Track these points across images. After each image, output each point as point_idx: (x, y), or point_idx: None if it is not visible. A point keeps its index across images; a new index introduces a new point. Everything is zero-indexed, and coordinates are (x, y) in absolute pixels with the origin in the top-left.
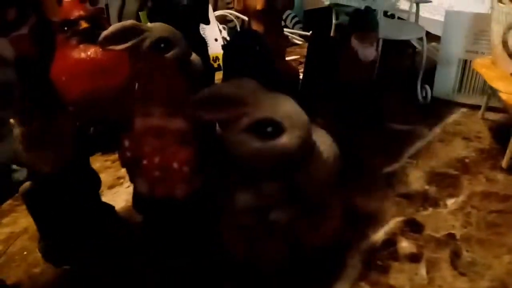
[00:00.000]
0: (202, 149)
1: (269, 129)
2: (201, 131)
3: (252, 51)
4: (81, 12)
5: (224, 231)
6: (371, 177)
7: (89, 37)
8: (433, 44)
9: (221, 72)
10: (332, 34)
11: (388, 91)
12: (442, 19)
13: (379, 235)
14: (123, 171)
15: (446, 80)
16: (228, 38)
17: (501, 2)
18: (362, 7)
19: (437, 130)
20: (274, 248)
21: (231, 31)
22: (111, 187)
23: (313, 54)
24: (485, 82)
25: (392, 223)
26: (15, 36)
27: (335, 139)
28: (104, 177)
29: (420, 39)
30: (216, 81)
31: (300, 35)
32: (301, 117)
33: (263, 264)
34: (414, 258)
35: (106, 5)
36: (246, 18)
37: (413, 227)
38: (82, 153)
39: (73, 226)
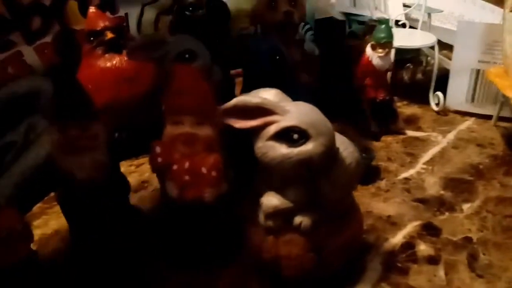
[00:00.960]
0: (229, 155)
1: (295, 136)
2: (228, 139)
3: (274, 60)
4: (107, 23)
5: (251, 235)
6: (388, 182)
7: (114, 47)
8: (444, 52)
9: None
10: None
11: (402, 99)
12: (453, 27)
13: (398, 239)
14: (147, 175)
15: (459, 90)
16: None
17: None
18: (373, 16)
19: (451, 137)
20: (297, 251)
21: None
22: (136, 191)
23: (327, 62)
24: (497, 91)
25: (410, 227)
26: (39, 44)
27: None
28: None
29: (432, 47)
30: None
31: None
32: (325, 125)
33: (287, 267)
34: (432, 260)
35: (126, 14)
36: None
37: (430, 230)
38: (114, 159)
39: (105, 229)
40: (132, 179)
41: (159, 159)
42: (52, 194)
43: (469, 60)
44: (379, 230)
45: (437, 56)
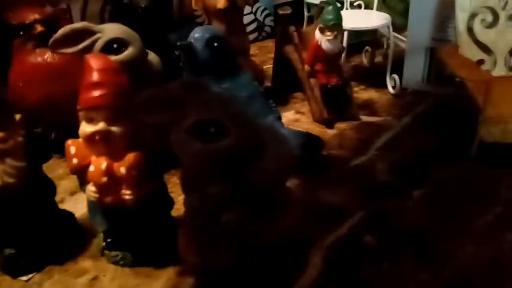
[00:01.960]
0: (152, 152)
1: (212, 130)
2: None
3: (211, 47)
4: (37, 16)
5: (179, 236)
6: (337, 170)
7: (45, 41)
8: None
9: None
10: (304, 26)
11: (360, 83)
12: None
13: (343, 230)
14: None
15: (414, 70)
16: None
17: None
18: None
19: (406, 120)
20: (226, 250)
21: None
22: (72, 193)
23: (280, 47)
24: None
25: (357, 217)
26: None
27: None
28: (66, 183)
29: (388, 28)
30: None
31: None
32: (247, 115)
33: (216, 267)
34: (378, 251)
35: (68, 6)
36: None
37: (377, 219)
38: (36, 161)
39: (31, 236)
40: (70, 181)
41: (75, 160)
42: None
43: (423, 38)
44: (323, 222)
45: (392, 36)
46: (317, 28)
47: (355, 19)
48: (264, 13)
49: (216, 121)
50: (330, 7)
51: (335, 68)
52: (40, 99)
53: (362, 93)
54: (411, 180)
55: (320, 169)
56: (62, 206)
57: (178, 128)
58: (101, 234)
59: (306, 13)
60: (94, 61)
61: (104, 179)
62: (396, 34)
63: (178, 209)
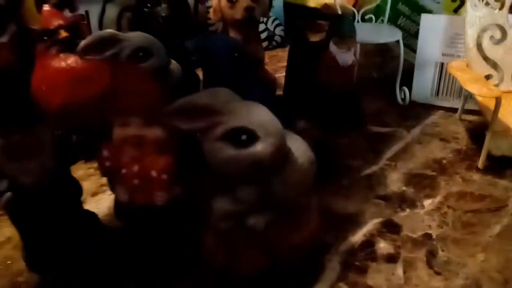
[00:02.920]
0: (182, 157)
1: (244, 137)
2: (180, 140)
3: (233, 58)
4: (60, 21)
5: (204, 237)
6: (350, 179)
7: (68, 46)
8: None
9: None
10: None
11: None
12: None
13: (358, 237)
14: (105, 178)
15: (424, 84)
16: None
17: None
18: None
19: (416, 131)
20: (252, 252)
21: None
22: (94, 194)
23: (293, 58)
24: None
25: (371, 225)
26: None
27: (316, 142)
28: (88, 184)
29: (398, 42)
30: None
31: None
32: (275, 125)
33: (241, 269)
34: (391, 258)
35: (86, 12)
36: None
37: (390, 228)
38: (63, 163)
39: (56, 235)
40: (91, 183)
41: (107, 163)
42: None
43: (432, 53)
44: (339, 229)
45: (402, 51)
46: (332, 41)
47: (366, 33)
48: (275, 23)
49: (247, 129)
50: (346, 21)
51: (348, 79)
52: (63, 103)
53: (372, 104)
54: (422, 190)
55: (332, 178)
56: (84, 206)
57: (211, 135)
58: None
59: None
60: (128, 70)
61: (136, 181)
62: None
63: None
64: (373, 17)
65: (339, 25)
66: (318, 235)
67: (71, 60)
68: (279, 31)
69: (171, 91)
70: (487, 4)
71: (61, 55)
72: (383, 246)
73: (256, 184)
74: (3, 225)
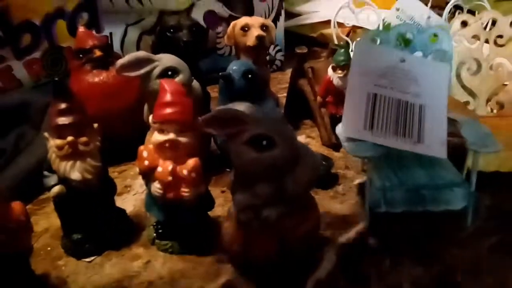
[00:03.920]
0: (205, 160)
1: (264, 142)
2: (205, 145)
3: (246, 78)
4: (95, 42)
5: (224, 228)
6: (345, 187)
7: (101, 64)
8: None
9: None
10: None
11: None
12: None
13: (351, 234)
14: (129, 180)
15: None
16: None
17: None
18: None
19: None
20: (265, 240)
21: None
22: (119, 194)
23: (295, 80)
24: None
25: (362, 224)
26: (28, 60)
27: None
28: None
29: None
30: None
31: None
32: (290, 132)
33: (255, 255)
34: (381, 251)
35: (110, 33)
36: None
37: (380, 227)
38: (105, 163)
39: (93, 226)
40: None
41: (146, 162)
42: (40, 197)
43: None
44: (335, 227)
45: None
46: (330, 67)
47: None
48: (276, 49)
49: (267, 136)
50: (342, 50)
51: (343, 100)
52: (94, 113)
53: None
54: None
55: (330, 185)
56: None
57: (238, 140)
58: (151, 227)
59: None
60: (168, 85)
61: (169, 178)
62: None
63: None
64: None
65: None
66: (318, 229)
67: (103, 76)
68: (279, 56)
69: (194, 104)
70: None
71: (95, 71)
72: (373, 242)
73: (272, 182)
74: (40, 218)
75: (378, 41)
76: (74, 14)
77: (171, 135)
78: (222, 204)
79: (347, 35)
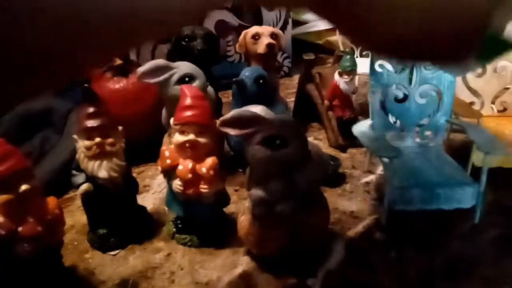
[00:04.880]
0: (223, 158)
1: (277, 142)
2: (221, 146)
3: (258, 84)
4: None
5: (241, 222)
6: (352, 185)
7: (121, 71)
8: None
9: None
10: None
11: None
12: None
13: (359, 229)
14: (147, 180)
15: None
16: None
17: None
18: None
19: None
20: (278, 234)
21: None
22: (139, 193)
23: (303, 85)
24: None
25: (369, 220)
26: None
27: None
28: None
29: None
30: None
31: None
32: (301, 132)
33: (269, 248)
34: (386, 243)
35: None
36: None
37: (385, 222)
38: (129, 163)
39: (119, 220)
40: None
41: (168, 161)
42: (65, 196)
43: None
44: (344, 222)
45: None
46: (336, 72)
47: (364, 66)
48: (283, 56)
49: (280, 136)
50: (348, 56)
51: (349, 104)
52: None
53: None
54: None
55: (338, 183)
56: None
57: (253, 140)
58: (171, 223)
59: None
60: (188, 90)
61: (189, 175)
62: None
63: None
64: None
65: (343, 59)
66: (328, 224)
67: (124, 83)
68: (287, 63)
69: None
70: None
71: (115, 78)
72: (379, 235)
73: (284, 179)
74: (66, 216)
75: None
76: None
77: (191, 136)
78: (236, 202)
79: None
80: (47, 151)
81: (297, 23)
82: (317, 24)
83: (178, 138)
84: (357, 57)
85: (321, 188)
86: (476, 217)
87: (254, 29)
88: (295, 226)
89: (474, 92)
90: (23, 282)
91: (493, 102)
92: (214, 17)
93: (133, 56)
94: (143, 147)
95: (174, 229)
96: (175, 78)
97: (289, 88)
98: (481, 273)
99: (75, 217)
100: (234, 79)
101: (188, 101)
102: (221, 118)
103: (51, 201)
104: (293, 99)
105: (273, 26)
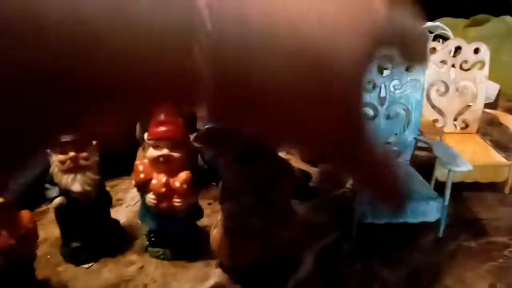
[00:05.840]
0: (195, 173)
1: (249, 157)
2: (195, 160)
3: None
4: None
5: (214, 235)
6: (322, 199)
7: None
8: None
9: None
10: None
11: None
12: None
13: (327, 240)
14: (121, 194)
15: None
16: None
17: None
18: None
19: None
20: (250, 246)
21: None
22: (112, 207)
23: None
24: None
25: (338, 232)
26: None
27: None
28: None
29: None
30: None
31: None
32: (272, 149)
33: (241, 260)
34: (352, 255)
35: None
36: None
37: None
38: (102, 177)
39: (92, 234)
40: None
41: (142, 175)
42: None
43: None
44: (313, 234)
45: None
46: None
47: None
48: None
49: (252, 151)
50: None
51: None
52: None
53: None
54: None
55: (308, 197)
56: None
57: (225, 155)
58: (144, 236)
59: None
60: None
61: (163, 189)
62: None
63: None
64: None
65: None
66: (299, 236)
67: None
68: None
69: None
70: (434, 64)
71: None
72: (347, 247)
73: (256, 193)
74: (39, 229)
75: None
76: None
77: (165, 151)
78: (209, 215)
79: None
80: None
81: None
82: None
83: (152, 152)
84: None
85: (292, 202)
86: (440, 230)
87: None
88: (267, 239)
89: (438, 110)
90: None
91: (455, 119)
92: None
93: None
94: (117, 161)
95: (147, 242)
96: None
97: None
98: (443, 283)
99: (48, 230)
100: None
101: (161, 116)
102: (195, 134)
103: (24, 214)
104: None
105: None
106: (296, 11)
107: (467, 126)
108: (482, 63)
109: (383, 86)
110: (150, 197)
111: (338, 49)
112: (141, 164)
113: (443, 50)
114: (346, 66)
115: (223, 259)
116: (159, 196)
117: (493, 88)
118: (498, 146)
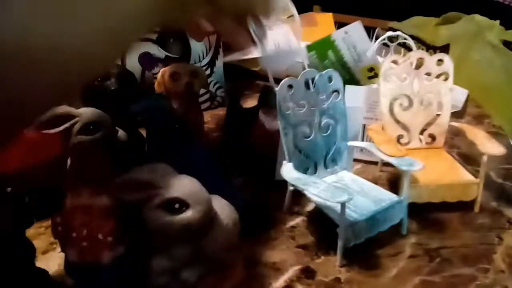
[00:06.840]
0: (124, 222)
1: (177, 206)
2: (122, 207)
3: (171, 130)
4: None
5: None
6: (277, 230)
7: None
8: None
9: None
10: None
11: None
12: None
13: (280, 283)
14: None
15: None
16: None
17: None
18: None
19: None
20: None
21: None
22: (44, 252)
23: (229, 121)
24: None
25: (291, 271)
26: None
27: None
28: (38, 243)
29: None
30: None
31: None
32: (203, 194)
33: None
34: None
35: None
36: None
37: (307, 273)
38: (19, 226)
39: None
40: (41, 241)
41: (59, 228)
42: None
43: (357, 117)
44: (264, 277)
45: None
46: (261, 110)
47: None
48: (216, 86)
49: (180, 199)
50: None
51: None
52: (16, 169)
53: None
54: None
55: (261, 229)
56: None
57: (150, 205)
58: None
59: None
60: (79, 146)
61: (85, 243)
62: None
63: None
64: None
65: (268, 97)
66: (243, 285)
67: (25, 131)
68: (220, 92)
69: (118, 156)
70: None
71: None
72: None
73: (188, 243)
74: None
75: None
76: None
77: (85, 199)
78: None
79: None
80: None
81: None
82: (251, 51)
83: (71, 201)
84: None
85: (238, 240)
86: (404, 228)
87: (173, 67)
88: None
89: (402, 125)
90: None
91: (421, 134)
92: (138, 49)
93: None
94: (53, 198)
95: None
96: (77, 127)
97: (222, 119)
98: None
99: None
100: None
101: (80, 159)
102: (113, 183)
103: None
104: None
105: (203, 57)
106: None
107: (433, 140)
108: (446, 75)
109: (312, 101)
110: (72, 252)
111: None
112: (59, 215)
113: (405, 63)
114: None
115: None
116: (82, 250)
117: (461, 95)
118: (466, 159)
